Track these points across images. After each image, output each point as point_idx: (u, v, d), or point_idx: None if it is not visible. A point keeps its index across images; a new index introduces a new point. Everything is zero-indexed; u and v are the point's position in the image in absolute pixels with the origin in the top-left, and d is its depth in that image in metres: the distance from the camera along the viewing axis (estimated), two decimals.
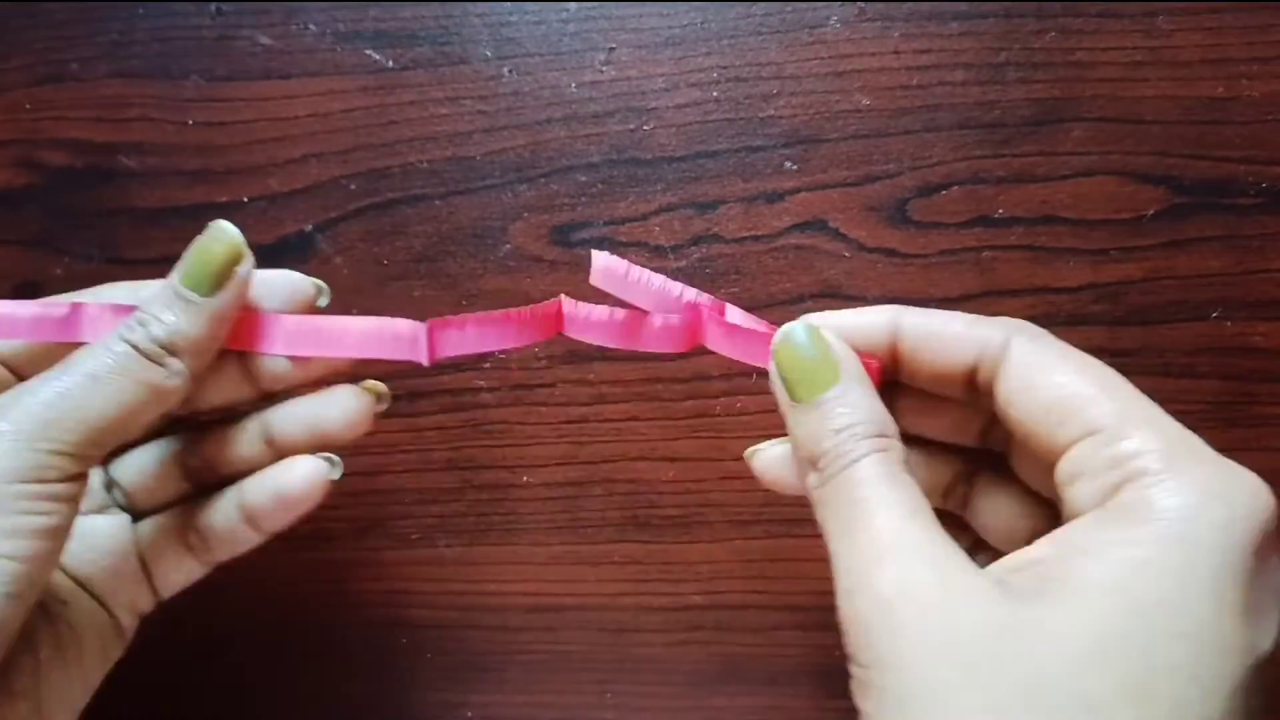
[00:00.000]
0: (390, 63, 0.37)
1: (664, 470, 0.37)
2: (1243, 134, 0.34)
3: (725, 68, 0.36)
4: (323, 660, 0.39)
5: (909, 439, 0.23)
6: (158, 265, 0.38)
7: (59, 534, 0.22)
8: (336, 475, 0.26)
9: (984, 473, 0.24)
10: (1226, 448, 0.35)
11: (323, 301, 0.26)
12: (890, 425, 0.21)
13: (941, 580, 0.18)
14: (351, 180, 0.37)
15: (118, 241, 0.38)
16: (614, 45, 0.36)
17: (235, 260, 0.24)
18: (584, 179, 0.36)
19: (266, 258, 0.38)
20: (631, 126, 0.36)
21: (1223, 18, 0.34)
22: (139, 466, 0.27)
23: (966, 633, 0.17)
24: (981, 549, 0.25)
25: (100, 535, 0.27)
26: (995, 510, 0.24)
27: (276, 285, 0.26)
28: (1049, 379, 0.20)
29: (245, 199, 0.38)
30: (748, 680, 0.37)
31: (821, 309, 0.36)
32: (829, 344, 0.22)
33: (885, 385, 0.23)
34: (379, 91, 0.37)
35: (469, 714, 0.38)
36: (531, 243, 0.37)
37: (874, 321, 0.23)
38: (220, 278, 0.24)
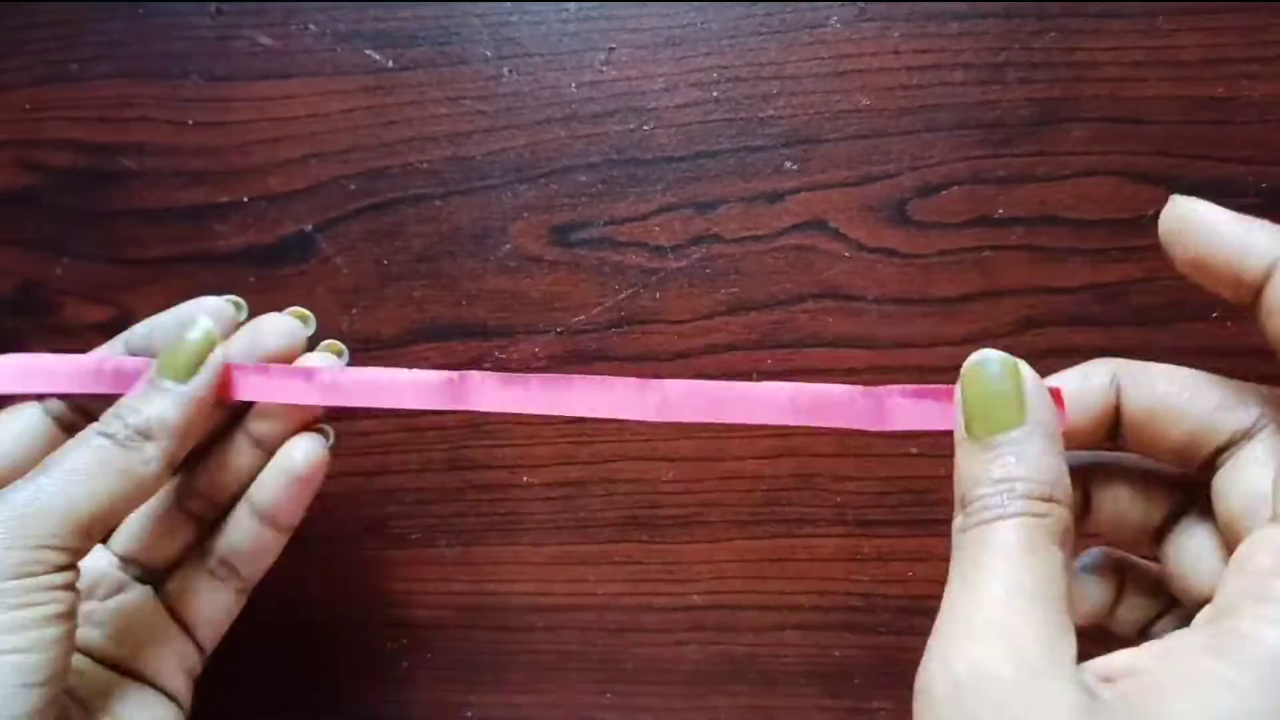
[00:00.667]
0: (390, 63, 0.37)
1: (664, 470, 0.37)
2: (1243, 134, 0.34)
3: (725, 68, 0.36)
4: (323, 660, 0.39)
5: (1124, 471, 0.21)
6: (158, 265, 0.38)
7: (63, 619, 0.22)
8: (332, 442, 0.28)
9: (1195, 509, 0.21)
10: None
11: (309, 329, 0.29)
12: (1062, 489, 0.19)
13: (1020, 675, 0.16)
14: (351, 180, 0.37)
15: (118, 242, 0.38)
16: (614, 45, 0.36)
17: (209, 348, 0.26)
18: (584, 179, 0.36)
19: (267, 258, 0.38)
20: (631, 127, 0.36)
21: (1223, 18, 0.34)
22: (140, 533, 0.28)
23: None
24: (1175, 608, 0.22)
25: (129, 614, 0.27)
26: (1198, 555, 0.21)
27: (269, 331, 0.28)
28: None
29: (245, 199, 0.38)
30: (748, 680, 0.37)
31: (821, 309, 0.36)
32: (1024, 381, 0.20)
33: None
34: (379, 92, 0.37)
35: (469, 714, 0.38)
36: (531, 243, 0.37)
37: (1087, 386, 0.21)
38: (194, 365, 0.25)
